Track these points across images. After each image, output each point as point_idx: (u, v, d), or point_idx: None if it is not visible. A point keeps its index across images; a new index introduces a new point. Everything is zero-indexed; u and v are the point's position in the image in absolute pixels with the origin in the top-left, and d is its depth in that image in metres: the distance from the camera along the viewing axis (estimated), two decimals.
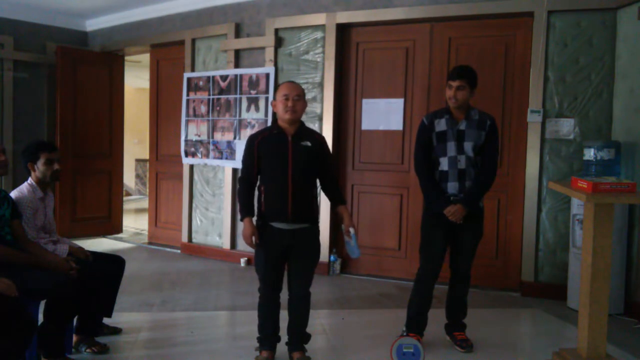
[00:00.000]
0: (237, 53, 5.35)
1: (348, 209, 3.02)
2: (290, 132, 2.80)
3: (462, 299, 3.24)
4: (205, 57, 5.62)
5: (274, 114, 3.00)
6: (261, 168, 2.83)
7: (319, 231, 2.91)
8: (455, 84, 3.03)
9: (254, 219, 2.82)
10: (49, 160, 3.01)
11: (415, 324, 3.19)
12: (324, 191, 2.98)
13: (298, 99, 2.79)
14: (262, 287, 2.89)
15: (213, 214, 5.57)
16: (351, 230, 2.86)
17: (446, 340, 3.26)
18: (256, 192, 2.87)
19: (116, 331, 3.31)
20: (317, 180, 2.94)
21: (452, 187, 3.06)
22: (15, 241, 2.80)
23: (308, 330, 2.95)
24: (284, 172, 2.74)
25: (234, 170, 5.31)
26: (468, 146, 3.04)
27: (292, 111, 2.76)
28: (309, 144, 2.81)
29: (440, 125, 3.10)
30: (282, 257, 2.83)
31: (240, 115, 5.33)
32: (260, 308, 2.92)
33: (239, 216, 2.85)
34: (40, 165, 3.00)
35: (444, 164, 3.09)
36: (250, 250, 2.89)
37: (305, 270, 2.87)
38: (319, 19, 4.92)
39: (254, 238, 2.77)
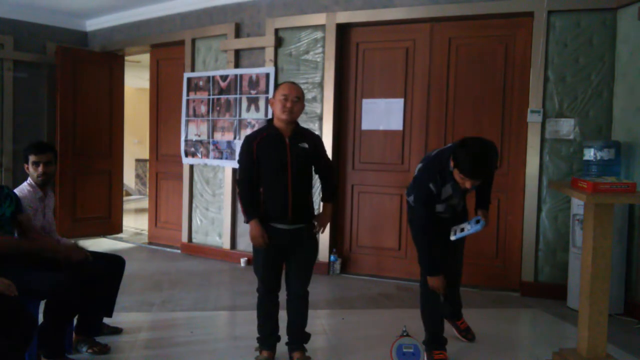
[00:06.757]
0: (237, 53, 5.35)
1: (331, 209, 2.98)
2: (287, 134, 2.79)
3: (458, 298, 3.32)
4: (205, 57, 5.62)
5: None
6: (260, 170, 2.82)
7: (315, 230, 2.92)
8: (477, 183, 2.68)
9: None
10: (35, 163, 3.01)
11: (437, 339, 2.96)
12: (321, 182, 2.99)
13: (297, 101, 2.77)
14: (261, 287, 2.89)
15: (213, 214, 5.57)
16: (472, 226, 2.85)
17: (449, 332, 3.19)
18: None
19: (116, 331, 3.31)
20: (314, 179, 2.93)
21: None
22: (22, 236, 2.80)
23: (308, 330, 2.95)
24: (284, 175, 2.74)
25: (234, 170, 5.30)
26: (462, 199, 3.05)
27: (290, 112, 2.75)
28: (306, 145, 2.81)
29: (446, 191, 2.86)
30: (280, 257, 2.83)
31: (240, 115, 5.33)
32: (260, 308, 2.92)
33: (239, 216, 2.83)
34: (29, 167, 3.03)
35: (439, 207, 2.95)
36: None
37: (304, 269, 2.88)
38: (319, 19, 4.92)
39: (263, 238, 2.74)
